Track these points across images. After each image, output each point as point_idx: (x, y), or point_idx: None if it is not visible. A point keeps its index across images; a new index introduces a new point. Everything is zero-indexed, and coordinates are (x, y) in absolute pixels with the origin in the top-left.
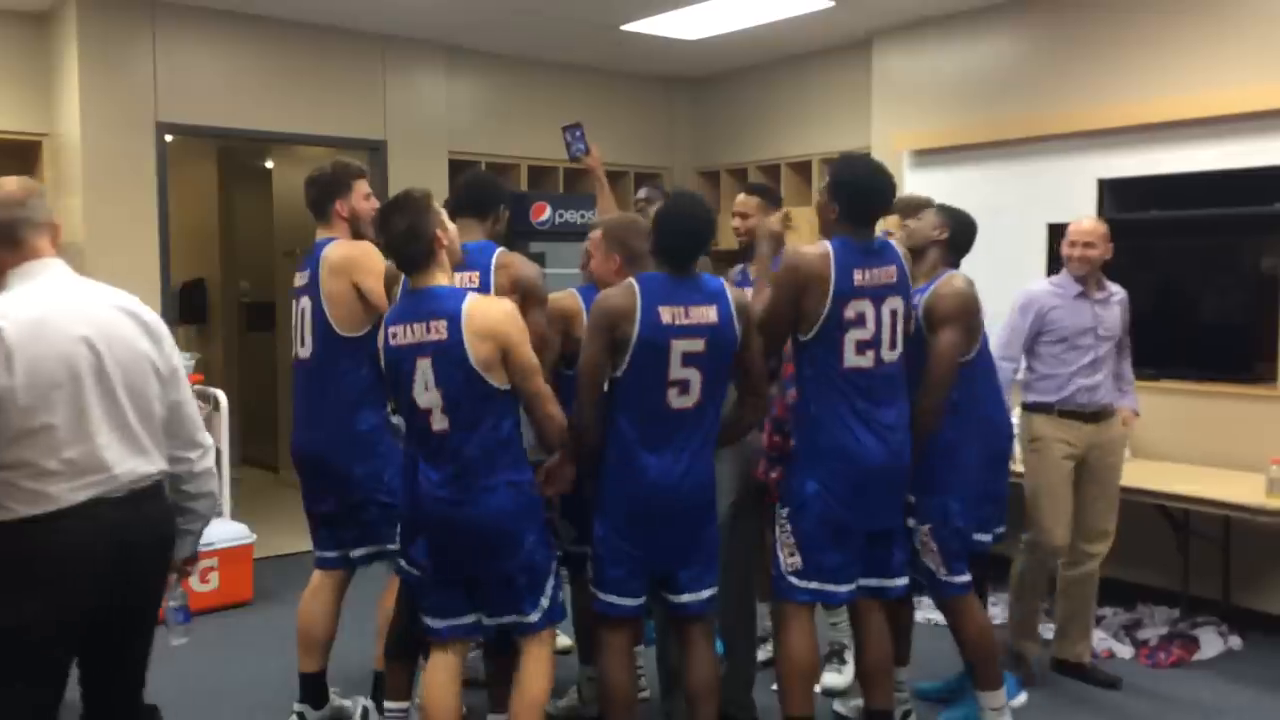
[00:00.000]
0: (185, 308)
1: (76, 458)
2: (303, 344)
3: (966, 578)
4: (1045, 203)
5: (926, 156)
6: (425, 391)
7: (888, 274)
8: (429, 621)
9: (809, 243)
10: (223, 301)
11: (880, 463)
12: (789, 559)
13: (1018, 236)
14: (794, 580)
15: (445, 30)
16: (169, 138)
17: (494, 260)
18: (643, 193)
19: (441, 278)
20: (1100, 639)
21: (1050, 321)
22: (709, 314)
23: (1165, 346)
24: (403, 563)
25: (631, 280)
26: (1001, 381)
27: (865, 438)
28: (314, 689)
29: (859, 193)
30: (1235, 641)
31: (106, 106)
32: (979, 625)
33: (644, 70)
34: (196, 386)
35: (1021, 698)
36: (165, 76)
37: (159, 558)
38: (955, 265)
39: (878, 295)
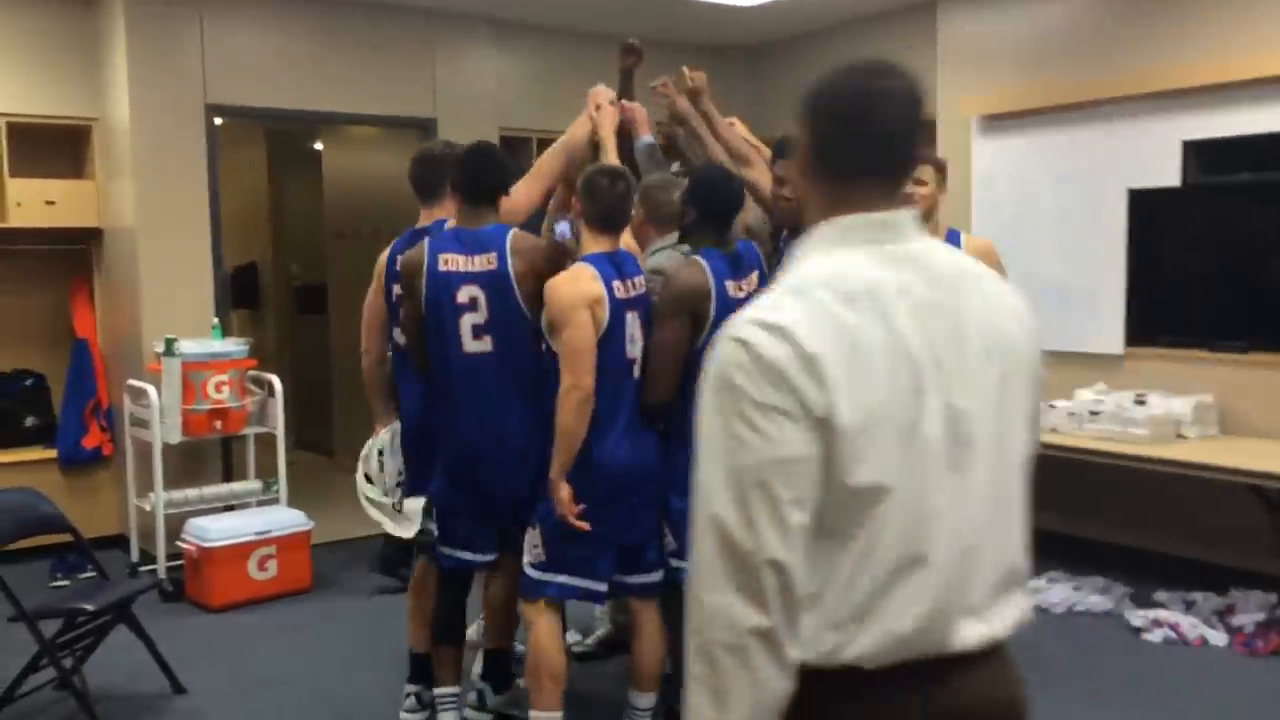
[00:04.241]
0: (237, 292)
1: None
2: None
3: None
4: (1125, 168)
5: (995, 122)
6: (631, 344)
7: (749, 283)
8: (558, 579)
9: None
10: (274, 285)
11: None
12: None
13: (1096, 204)
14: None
15: (492, 3)
16: (218, 120)
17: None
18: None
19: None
20: (1192, 625)
21: None
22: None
23: (1255, 318)
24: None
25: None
26: None
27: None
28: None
29: (714, 193)
30: None
31: (155, 90)
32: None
33: (697, 39)
34: (251, 372)
35: None
36: (214, 58)
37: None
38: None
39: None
